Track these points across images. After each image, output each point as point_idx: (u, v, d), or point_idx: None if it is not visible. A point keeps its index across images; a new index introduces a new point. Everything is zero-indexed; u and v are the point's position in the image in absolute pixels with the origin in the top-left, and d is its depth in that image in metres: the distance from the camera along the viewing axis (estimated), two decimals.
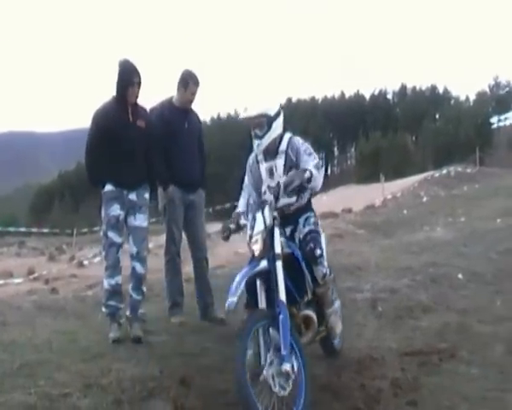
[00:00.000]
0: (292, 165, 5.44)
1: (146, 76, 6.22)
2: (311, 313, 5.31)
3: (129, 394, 4.76)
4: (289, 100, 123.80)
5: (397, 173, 55.00)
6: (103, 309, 6.31)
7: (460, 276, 9.46)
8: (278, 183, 5.39)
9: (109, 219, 6.15)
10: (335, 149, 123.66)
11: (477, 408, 5.08)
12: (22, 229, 29.98)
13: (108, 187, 6.16)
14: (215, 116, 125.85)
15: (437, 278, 9.29)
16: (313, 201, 5.90)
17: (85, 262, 15.51)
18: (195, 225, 7.03)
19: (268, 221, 4.91)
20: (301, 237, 5.52)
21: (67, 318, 7.37)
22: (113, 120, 6.09)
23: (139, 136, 6.18)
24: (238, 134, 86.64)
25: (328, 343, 5.90)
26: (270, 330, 4.53)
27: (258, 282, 4.86)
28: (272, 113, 5.43)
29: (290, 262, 5.09)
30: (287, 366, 4.36)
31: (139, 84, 6.15)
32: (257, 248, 4.82)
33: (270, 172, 5.51)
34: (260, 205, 5.16)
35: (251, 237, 4.90)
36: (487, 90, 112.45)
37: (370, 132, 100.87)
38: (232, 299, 4.54)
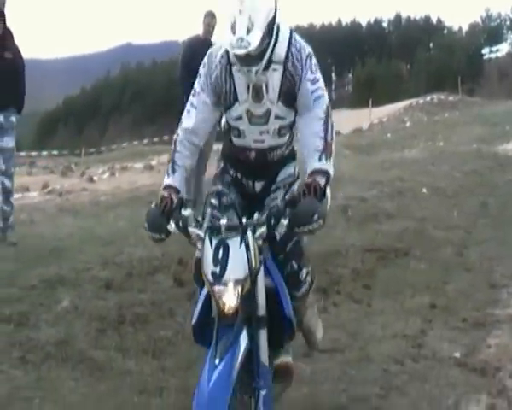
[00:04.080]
0: (290, 89, 3.26)
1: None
2: (289, 359, 3.55)
3: (138, 269, 5.94)
4: None
5: (391, 99, 55.08)
6: None
7: (424, 190, 10.28)
8: (278, 205, 3.01)
9: None
10: (333, 74, 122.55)
11: (420, 293, 6.09)
12: (33, 153, 30.38)
13: None
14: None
15: (402, 191, 10.09)
16: None
17: (95, 178, 16.04)
18: None
19: (253, 263, 2.81)
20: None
21: (84, 217, 8.46)
22: None
23: (5, 66, 6.72)
24: None
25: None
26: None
27: None
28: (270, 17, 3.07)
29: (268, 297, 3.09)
30: None
31: (2, 18, 6.69)
32: (230, 302, 2.74)
33: (257, 93, 3.23)
34: (247, 225, 2.86)
35: (214, 274, 2.76)
36: (479, 21, 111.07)
37: (366, 60, 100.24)
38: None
